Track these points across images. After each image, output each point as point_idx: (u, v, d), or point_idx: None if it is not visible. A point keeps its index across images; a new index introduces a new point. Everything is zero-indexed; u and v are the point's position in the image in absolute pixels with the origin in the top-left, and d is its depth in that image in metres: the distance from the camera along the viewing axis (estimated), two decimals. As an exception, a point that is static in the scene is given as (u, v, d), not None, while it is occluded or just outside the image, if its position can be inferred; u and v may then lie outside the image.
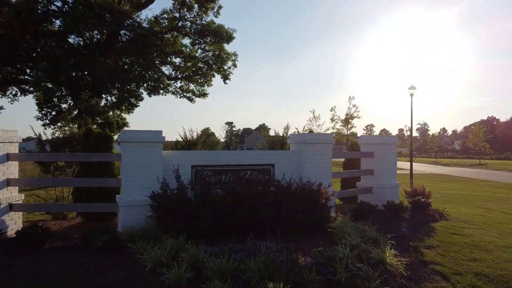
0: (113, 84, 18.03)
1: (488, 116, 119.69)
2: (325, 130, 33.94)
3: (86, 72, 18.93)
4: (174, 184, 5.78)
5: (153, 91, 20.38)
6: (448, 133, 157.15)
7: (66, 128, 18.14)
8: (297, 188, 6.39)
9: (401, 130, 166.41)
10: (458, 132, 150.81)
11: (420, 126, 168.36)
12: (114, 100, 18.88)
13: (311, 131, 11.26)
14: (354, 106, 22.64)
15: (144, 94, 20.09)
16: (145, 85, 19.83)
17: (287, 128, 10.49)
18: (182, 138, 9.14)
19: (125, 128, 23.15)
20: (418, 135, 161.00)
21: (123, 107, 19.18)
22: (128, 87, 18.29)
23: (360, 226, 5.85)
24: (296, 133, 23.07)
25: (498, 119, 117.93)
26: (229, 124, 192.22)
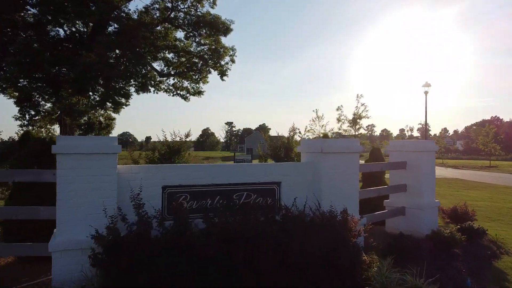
0: (96, 80, 16.13)
1: (492, 116, 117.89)
2: (329, 131, 31.86)
3: (67, 67, 17.03)
4: (140, 214, 3.91)
5: (141, 88, 18.40)
6: (449, 133, 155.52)
7: (43, 130, 16.26)
8: (314, 219, 4.49)
9: (402, 130, 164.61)
10: (460, 132, 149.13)
11: (421, 126, 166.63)
12: (97, 98, 16.98)
13: (325, 136, 9.31)
14: (362, 104, 20.70)
15: (132, 91, 18.13)
16: (131, 81, 17.86)
17: (293, 130, 8.60)
18: (162, 143, 7.24)
19: (113, 133, 21.23)
20: (419, 135, 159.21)
21: (108, 106, 17.23)
22: (113, 83, 16.40)
23: (409, 279, 3.94)
24: (300, 134, 20.94)
25: (502, 119, 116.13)
26: (229, 124, 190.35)
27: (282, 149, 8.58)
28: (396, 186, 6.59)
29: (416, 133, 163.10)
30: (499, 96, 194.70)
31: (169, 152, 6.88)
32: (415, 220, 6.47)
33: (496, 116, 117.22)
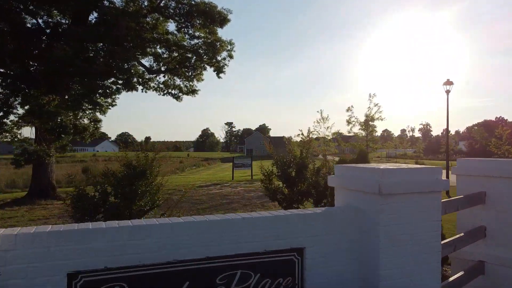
0: (72, 76, 13.89)
1: (496, 117, 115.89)
2: (334, 133, 29.78)
3: (39, 62, 14.77)
4: None
5: (125, 86, 16.06)
6: (451, 134, 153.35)
7: (8, 135, 14.02)
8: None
9: (403, 131, 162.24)
10: (461, 132, 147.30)
11: (422, 126, 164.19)
12: (72, 97, 14.66)
13: (363, 154, 7.03)
14: (376, 105, 18.46)
15: (114, 89, 15.73)
16: (113, 78, 15.45)
17: (308, 141, 6.32)
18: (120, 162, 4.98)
19: (96, 136, 18.86)
20: (421, 135, 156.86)
21: (85, 107, 14.79)
22: (91, 80, 14.07)
23: None
24: (302, 136, 18.80)
25: (506, 119, 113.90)
26: (229, 124, 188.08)
27: (293, 165, 6.33)
28: (473, 231, 4.32)
29: (417, 134, 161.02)
30: (497, 96, 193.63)
31: (129, 176, 4.61)
32: (502, 282, 4.21)
33: (500, 116, 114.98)
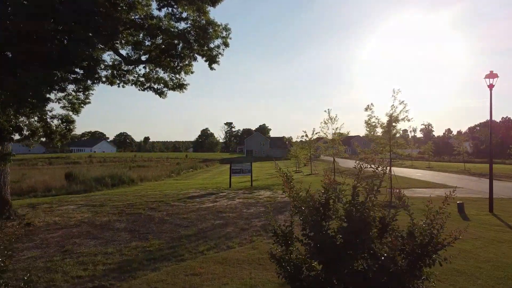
0: (15, 62, 10.51)
1: (502, 117, 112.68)
2: (335, 134, 26.79)
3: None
4: None
5: (86, 77, 12.46)
6: (453, 134, 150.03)
7: None
8: None
9: (405, 131, 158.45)
10: (463, 132, 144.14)
11: (424, 126, 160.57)
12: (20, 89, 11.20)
13: None
14: (401, 103, 15.12)
15: (76, 81, 12.17)
16: (69, 66, 11.84)
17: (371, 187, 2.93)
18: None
19: (74, 132, 15.35)
20: (422, 136, 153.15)
21: (25, 107, 11.04)
22: (40, 68, 10.60)
23: None
24: (305, 137, 14.49)
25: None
26: (229, 124, 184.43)
27: (337, 218, 2.96)
28: None
29: (419, 134, 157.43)
30: (496, 96, 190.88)
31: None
32: None
33: (507, 117, 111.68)
